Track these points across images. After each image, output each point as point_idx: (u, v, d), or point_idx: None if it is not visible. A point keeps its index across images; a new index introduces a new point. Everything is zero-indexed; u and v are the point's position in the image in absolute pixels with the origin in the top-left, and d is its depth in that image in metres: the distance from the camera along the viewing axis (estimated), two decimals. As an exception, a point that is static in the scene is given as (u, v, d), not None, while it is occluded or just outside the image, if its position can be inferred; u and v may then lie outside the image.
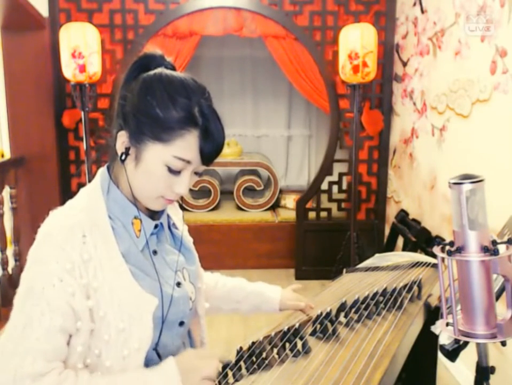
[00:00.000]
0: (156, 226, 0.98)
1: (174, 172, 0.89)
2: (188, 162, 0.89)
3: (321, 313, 1.09)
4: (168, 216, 1.05)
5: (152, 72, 0.91)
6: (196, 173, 0.94)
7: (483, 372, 1.06)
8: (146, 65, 0.93)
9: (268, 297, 1.27)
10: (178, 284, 0.98)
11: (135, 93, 0.89)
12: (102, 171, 0.97)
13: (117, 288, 0.87)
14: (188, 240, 1.10)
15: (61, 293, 0.82)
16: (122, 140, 0.91)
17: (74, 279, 0.84)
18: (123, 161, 0.91)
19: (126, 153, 0.90)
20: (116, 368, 0.88)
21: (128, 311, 0.88)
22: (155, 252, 0.97)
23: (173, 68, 0.96)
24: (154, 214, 0.98)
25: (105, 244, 0.88)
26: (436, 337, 1.10)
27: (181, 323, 0.98)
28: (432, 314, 1.26)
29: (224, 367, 0.92)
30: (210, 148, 0.89)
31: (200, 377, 0.86)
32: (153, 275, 0.93)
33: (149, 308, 0.90)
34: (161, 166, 0.88)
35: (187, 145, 0.87)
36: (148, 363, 0.92)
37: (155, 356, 0.94)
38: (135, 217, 0.94)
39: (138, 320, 0.89)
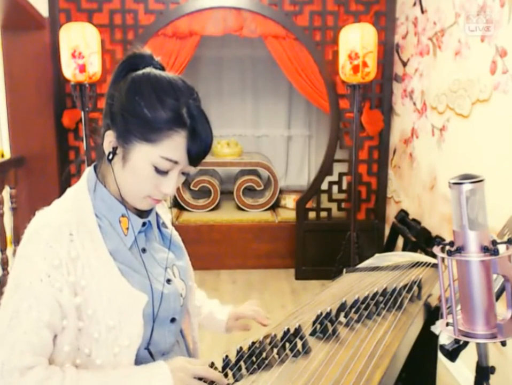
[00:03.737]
0: (144, 224, 0.98)
1: (161, 172, 0.89)
2: (176, 162, 0.89)
3: (321, 313, 1.09)
4: (157, 215, 1.05)
5: (140, 72, 0.91)
6: (184, 173, 0.94)
7: (483, 372, 1.06)
8: (134, 64, 0.93)
9: (217, 321, 1.26)
10: (168, 281, 0.98)
11: (123, 93, 0.89)
12: (88, 170, 0.97)
13: (105, 286, 0.87)
14: (178, 238, 1.10)
15: (48, 288, 0.83)
16: (109, 139, 0.91)
17: (61, 275, 0.84)
18: (110, 160, 0.91)
19: (114, 152, 0.90)
20: (107, 366, 0.88)
21: (117, 308, 0.88)
22: (144, 250, 0.97)
23: (162, 68, 0.96)
24: (142, 212, 0.98)
25: (92, 242, 0.88)
26: (436, 337, 1.10)
27: (172, 320, 0.99)
28: (432, 314, 1.26)
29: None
30: (198, 149, 0.89)
31: (190, 374, 0.87)
32: (142, 272, 0.93)
33: (139, 304, 0.90)
34: (148, 166, 0.88)
35: (174, 145, 0.87)
36: (141, 362, 0.92)
37: (147, 355, 0.94)
38: (122, 215, 0.94)
39: (128, 317, 0.89)
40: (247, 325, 1.27)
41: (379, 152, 3.78)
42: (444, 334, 1.00)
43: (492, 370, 1.06)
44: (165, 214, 1.12)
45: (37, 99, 3.44)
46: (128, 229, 0.94)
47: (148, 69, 0.92)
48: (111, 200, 0.94)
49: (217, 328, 1.27)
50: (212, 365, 0.94)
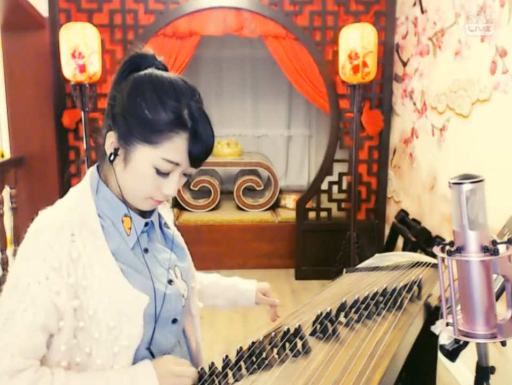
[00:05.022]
0: (146, 224, 0.98)
1: (162, 174, 0.89)
2: (177, 164, 0.89)
3: (321, 313, 1.09)
4: (159, 215, 1.05)
5: (142, 72, 0.91)
6: (185, 174, 0.94)
7: (483, 372, 1.06)
8: (137, 65, 0.93)
9: (244, 291, 1.28)
10: (170, 282, 0.98)
11: (125, 94, 0.89)
12: (91, 170, 0.98)
13: (107, 286, 0.87)
14: (181, 239, 1.10)
15: (46, 291, 0.83)
16: (110, 140, 0.91)
17: (60, 277, 0.84)
18: (111, 161, 0.91)
19: (115, 153, 0.90)
20: (107, 366, 0.88)
21: (118, 309, 0.88)
22: (146, 250, 0.97)
23: (164, 68, 0.95)
24: (144, 212, 0.98)
25: (94, 242, 0.88)
26: (436, 337, 1.10)
27: (174, 321, 0.99)
28: (432, 314, 1.26)
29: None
30: (199, 151, 0.89)
31: (174, 382, 0.88)
32: (144, 273, 0.93)
33: (140, 305, 0.90)
34: (150, 168, 0.88)
35: (175, 147, 0.87)
36: None
37: (148, 355, 0.94)
38: (125, 215, 0.94)
39: (128, 318, 0.89)
40: (274, 301, 1.28)
41: (379, 152, 3.78)
42: (444, 334, 1.00)
43: (492, 370, 1.06)
44: (168, 214, 1.12)
45: (37, 99, 3.44)
46: (130, 229, 0.94)
47: (150, 70, 0.92)
48: (113, 200, 0.94)
49: (245, 300, 1.28)
50: (212, 365, 0.94)
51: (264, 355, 0.96)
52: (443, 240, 0.92)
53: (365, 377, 0.86)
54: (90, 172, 0.97)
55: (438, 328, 1.01)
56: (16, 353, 0.80)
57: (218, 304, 1.31)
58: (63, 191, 0.96)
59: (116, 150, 0.90)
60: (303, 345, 0.97)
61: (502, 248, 0.88)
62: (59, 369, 0.85)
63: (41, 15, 3.28)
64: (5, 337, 0.81)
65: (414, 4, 3.20)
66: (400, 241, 3.33)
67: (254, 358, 0.95)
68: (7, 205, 3.11)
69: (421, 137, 3.11)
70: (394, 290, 1.25)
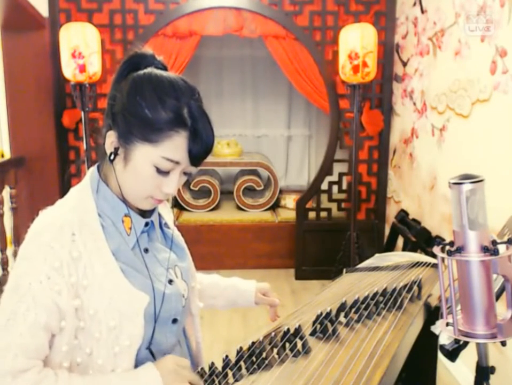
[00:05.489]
0: (147, 224, 0.98)
1: (162, 173, 0.89)
2: (177, 163, 0.89)
3: (321, 313, 1.09)
4: (160, 215, 1.05)
5: (141, 72, 0.91)
6: (185, 173, 0.94)
7: (483, 372, 1.06)
8: (136, 64, 0.93)
9: (243, 291, 1.28)
10: (170, 282, 0.98)
11: (124, 94, 0.89)
12: (92, 170, 0.98)
13: (107, 286, 0.87)
14: (181, 239, 1.10)
15: (47, 291, 0.83)
16: (110, 140, 0.91)
17: (61, 277, 0.84)
18: (112, 161, 0.91)
19: (115, 153, 0.90)
20: (108, 366, 0.88)
21: (119, 309, 0.88)
22: (146, 250, 0.97)
23: (164, 68, 0.95)
24: (144, 212, 0.98)
25: (94, 242, 0.88)
26: (436, 337, 1.10)
27: (174, 320, 0.99)
28: (432, 314, 1.26)
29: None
30: (199, 150, 0.89)
31: (181, 380, 0.88)
32: (144, 273, 0.93)
33: (140, 305, 0.90)
34: (150, 167, 0.88)
35: (175, 146, 0.87)
36: (142, 362, 0.92)
37: (148, 355, 0.94)
38: (125, 215, 0.94)
39: (129, 317, 0.89)
40: (274, 301, 1.28)
41: (379, 152, 3.78)
42: (444, 334, 1.00)
43: (492, 370, 1.06)
44: (168, 214, 1.12)
45: (37, 99, 3.44)
46: (130, 228, 0.94)
47: (149, 69, 0.92)
48: (114, 200, 0.94)
49: (244, 300, 1.28)
50: (212, 365, 0.94)
51: (264, 355, 0.96)
52: (443, 240, 0.92)
53: (365, 377, 0.87)
54: (90, 172, 0.97)
55: (438, 328, 1.01)
56: (19, 353, 0.80)
57: (217, 304, 1.31)
58: (63, 191, 0.96)
59: (116, 149, 0.90)
60: (303, 345, 0.97)
61: (502, 248, 0.88)
62: (62, 370, 0.85)
63: (41, 15, 3.28)
64: (7, 337, 0.81)
65: (414, 4, 3.20)
66: (400, 241, 3.33)
67: (254, 358, 0.95)
68: (7, 205, 3.11)
69: (421, 137, 3.11)
70: (394, 290, 1.25)
